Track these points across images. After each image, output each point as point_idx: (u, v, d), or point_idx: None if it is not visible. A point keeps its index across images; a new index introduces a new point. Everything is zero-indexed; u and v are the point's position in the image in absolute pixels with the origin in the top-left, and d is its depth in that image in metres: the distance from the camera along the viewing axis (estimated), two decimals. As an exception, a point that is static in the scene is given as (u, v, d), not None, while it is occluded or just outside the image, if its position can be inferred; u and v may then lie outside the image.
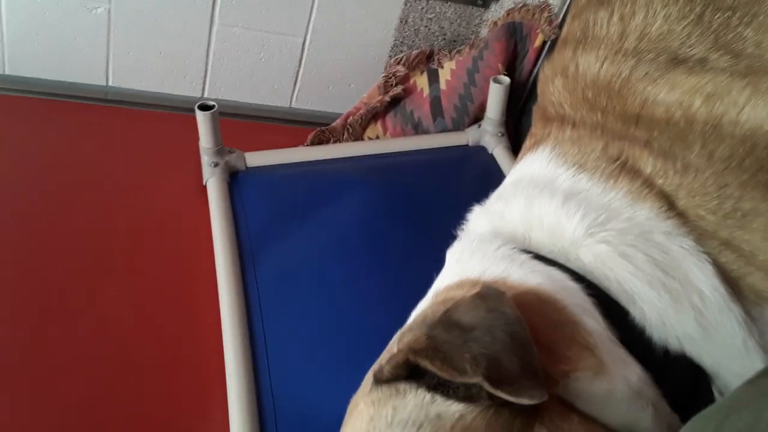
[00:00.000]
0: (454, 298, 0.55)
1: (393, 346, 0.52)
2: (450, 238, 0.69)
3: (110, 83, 1.22)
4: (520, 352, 0.44)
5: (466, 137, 1.17)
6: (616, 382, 0.49)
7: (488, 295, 0.48)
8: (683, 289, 0.52)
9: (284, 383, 0.81)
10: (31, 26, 1.14)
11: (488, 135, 1.16)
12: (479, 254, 0.58)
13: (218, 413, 0.79)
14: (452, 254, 0.64)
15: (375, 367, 0.53)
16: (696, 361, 0.52)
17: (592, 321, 0.52)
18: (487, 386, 0.42)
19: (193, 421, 0.81)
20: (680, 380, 0.52)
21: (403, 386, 0.46)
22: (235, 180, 1.03)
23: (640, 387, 0.49)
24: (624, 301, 0.53)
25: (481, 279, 0.56)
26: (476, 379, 0.42)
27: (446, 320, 0.46)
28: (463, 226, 0.67)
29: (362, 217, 0.98)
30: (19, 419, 0.78)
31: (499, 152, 1.14)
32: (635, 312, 0.53)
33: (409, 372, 0.46)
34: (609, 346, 0.51)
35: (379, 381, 0.47)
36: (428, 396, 0.45)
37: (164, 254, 0.98)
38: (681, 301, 0.52)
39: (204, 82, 1.26)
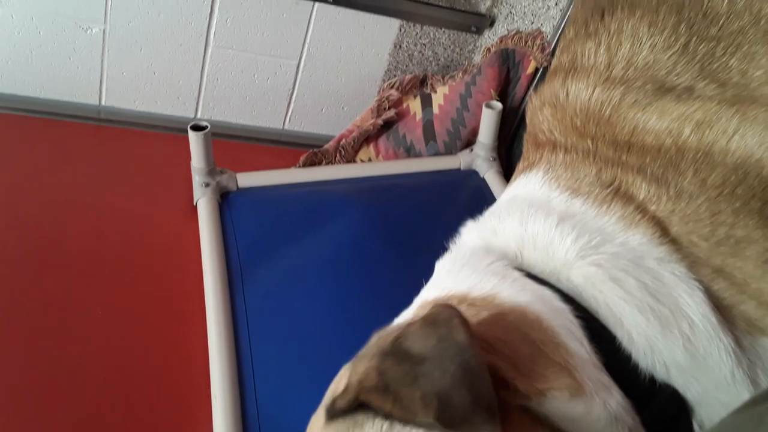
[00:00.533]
0: None
1: (346, 372, 0.50)
2: (436, 256, 0.68)
3: (103, 103, 1.22)
4: (472, 385, 0.42)
5: (458, 161, 1.18)
6: (593, 405, 0.48)
7: (440, 320, 0.46)
8: (673, 316, 0.52)
9: (270, 403, 0.80)
10: (26, 45, 1.14)
11: (480, 159, 1.16)
12: (470, 268, 0.58)
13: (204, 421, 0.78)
14: (442, 266, 0.63)
15: (326, 397, 0.52)
16: (681, 390, 0.52)
17: (576, 343, 0.51)
18: (439, 428, 0.41)
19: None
20: (662, 411, 0.51)
21: (360, 417, 0.45)
22: (225, 200, 1.03)
23: (618, 412, 0.49)
24: (612, 324, 0.53)
25: (469, 294, 0.55)
26: (427, 420, 0.42)
27: (397, 350, 0.45)
28: (455, 240, 0.67)
29: (352, 239, 0.98)
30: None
31: (491, 176, 1.14)
32: (623, 336, 0.52)
33: (362, 404, 0.46)
34: (590, 370, 0.50)
35: (333, 415, 0.47)
36: (386, 424, 0.44)
37: (154, 273, 0.97)
38: (670, 328, 0.51)
39: (197, 103, 1.26)
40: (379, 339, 0.47)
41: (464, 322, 0.46)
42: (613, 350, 0.52)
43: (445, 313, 0.46)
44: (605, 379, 0.50)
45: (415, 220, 1.04)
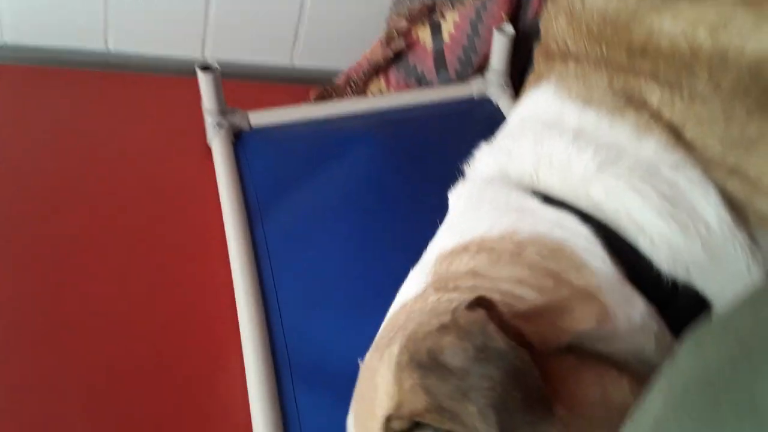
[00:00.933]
0: (457, 270, 0.55)
1: (378, 353, 0.51)
2: (454, 186, 0.68)
3: (110, 48, 1.22)
4: (519, 385, 0.43)
5: (471, 89, 1.16)
6: (619, 323, 0.50)
7: (473, 331, 0.45)
8: (690, 219, 0.53)
9: (297, 333, 0.82)
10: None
11: (493, 86, 1.15)
12: (486, 206, 0.58)
13: (234, 365, 0.81)
14: (457, 201, 0.64)
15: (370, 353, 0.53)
16: (701, 289, 0.53)
17: (599, 262, 0.52)
18: None
19: (210, 374, 0.83)
20: (685, 311, 0.53)
21: None
22: (239, 140, 1.03)
23: (642, 322, 0.51)
24: (633, 234, 0.54)
25: (487, 236, 0.56)
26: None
27: (436, 364, 0.44)
28: (469, 165, 0.67)
29: (368, 172, 0.99)
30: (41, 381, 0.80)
31: (505, 103, 1.13)
32: (644, 243, 0.54)
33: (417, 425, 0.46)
34: (613, 287, 0.51)
35: None
36: None
37: (172, 216, 0.99)
38: (689, 231, 0.53)
39: (204, 43, 1.25)
40: (406, 345, 0.46)
41: (497, 323, 0.45)
42: (636, 260, 0.53)
43: (477, 323, 0.45)
44: (628, 291, 0.52)
45: (430, 150, 1.04)
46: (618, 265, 0.53)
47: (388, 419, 0.46)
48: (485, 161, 0.64)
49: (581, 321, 0.49)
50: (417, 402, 0.44)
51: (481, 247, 0.55)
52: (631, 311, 0.51)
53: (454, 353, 0.44)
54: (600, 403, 0.46)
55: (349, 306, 0.84)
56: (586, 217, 0.55)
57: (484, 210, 0.59)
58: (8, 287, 0.87)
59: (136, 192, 1.01)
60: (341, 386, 0.75)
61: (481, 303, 0.47)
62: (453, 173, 0.70)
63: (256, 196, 0.96)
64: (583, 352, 0.49)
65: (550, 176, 0.58)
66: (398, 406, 0.46)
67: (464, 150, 0.72)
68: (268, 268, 0.88)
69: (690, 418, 0.34)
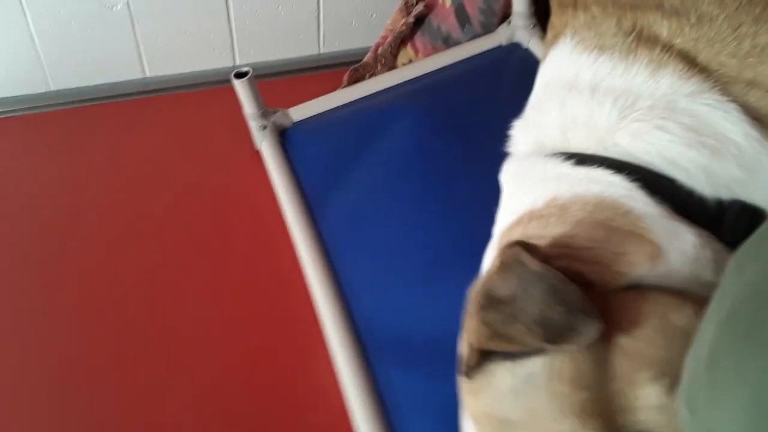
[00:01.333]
0: (512, 238, 0.57)
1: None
2: (503, 140, 0.70)
3: (147, 74, 1.26)
4: (562, 299, 0.46)
5: (499, 38, 1.15)
6: (672, 258, 0.51)
7: (511, 263, 0.50)
8: (719, 143, 0.54)
9: (374, 311, 0.84)
10: (62, 40, 1.18)
11: (520, 30, 1.13)
12: (527, 181, 0.61)
13: (320, 353, 0.84)
14: (505, 180, 0.66)
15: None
16: (749, 202, 0.54)
17: (640, 204, 0.54)
18: (548, 347, 0.46)
19: (299, 365, 0.87)
20: (738, 224, 0.54)
21: (490, 366, 0.50)
22: (285, 137, 1.06)
23: (696, 252, 0.52)
24: (668, 169, 0.55)
25: (534, 208, 0.58)
26: (539, 345, 0.46)
27: (490, 301, 0.49)
28: (509, 144, 0.69)
29: (413, 142, 0.99)
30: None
31: (535, 44, 1.12)
32: (681, 175, 0.55)
33: (485, 354, 0.51)
34: (661, 224, 0.53)
35: (469, 374, 0.52)
36: (510, 363, 0.49)
37: (236, 223, 1.02)
38: (720, 153, 0.54)
39: (233, 50, 1.28)
40: (474, 296, 0.52)
41: (531, 251, 0.50)
42: (676, 193, 0.55)
43: (513, 254, 0.50)
44: (674, 226, 0.53)
45: (470, 107, 1.04)
46: (661, 203, 0.54)
47: (466, 367, 0.52)
48: (520, 138, 0.67)
49: (635, 263, 0.51)
50: (480, 335, 0.49)
51: (531, 217, 0.58)
52: (682, 245, 0.52)
53: (501, 286, 0.49)
54: (660, 329, 0.48)
55: (417, 277, 0.86)
56: (620, 166, 0.56)
57: (527, 185, 0.61)
58: (89, 307, 0.92)
59: (194, 207, 1.05)
60: (425, 355, 0.79)
61: (516, 243, 0.51)
62: (498, 125, 0.71)
63: (311, 189, 0.98)
64: (643, 289, 0.51)
65: (578, 136, 0.60)
66: (469, 345, 0.51)
67: (503, 99, 0.74)
68: (335, 255, 0.90)
69: (736, 337, 0.36)
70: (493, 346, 0.49)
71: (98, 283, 0.96)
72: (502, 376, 0.49)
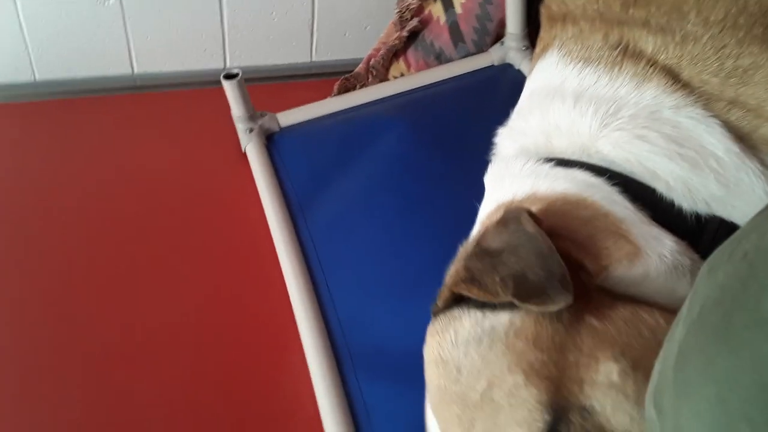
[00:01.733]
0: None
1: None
2: (489, 158, 0.71)
3: (136, 71, 1.25)
4: (543, 264, 0.48)
5: (491, 57, 1.16)
6: (651, 261, 0.52)
7: (509, 218, 0.52)
8: (699, 156, 0.55)
9: (352, 321, 0.84)
10: (51, 30, 1.16)
11: (513, 51, 1.14)
12: (508, 177, 0.62)
13: (296, 360, 0.83)
14: (488, 180, 0.67)
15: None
16: (726, 218, 0.55)
17: (621, 208, 0.55)
18: (517, 302, 0.47)
19: (273, 372, 0.85)
20: (714, 240, 0.55)
21: (456, 312, 0.52)
22: (272, 141, 1.05)
23: (675, 259, 0.53)
24: (648, 179, 0.56)
25: (514, 201, 0.59)
26: (507, 298, 0.47)
27: (478, 249, 0.51)
28: (493, 151, 0.70)
29: (400, 154, 1.00)
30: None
31: (526, 66, 1.13)
32: (660, 186, 0.56)
33: (458, 300, 0.52)
34: (641, 228, 0.54)
35: (435, 314, 0.53)
36: (479, 313, 0.50)
37: (217, 225, 1.01)
38: (700, 167, 0.55)
39: (224, 52, 1.27)
40: (464, 247, 0.54)
41: (532, 215, 0.51)
42: (656, 202, 0.56)
43: (514, 212, 0.52)
44: (655, 231, 0.54)
45: (459, 124, 1.05)
46: (641, 209, 0.55)
47: (434, 304, 0.53)
48: (505, 144, 0.68)
49: (615, 259, 0.52)
50: (456, 277, 0.51)
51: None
52: (661, 249, 0.53)
53: (493, 237, 0.51)
54: (630, 321, 0.48)
55: (399, 289, 0.86)
56: (601, 171, 0.57)
57: (506, 182, 0.62)
58: (65, 305, 0.90)
59: (177, 206, 1.03)
60: (401, 369, 0.78)
61: (521, 207, 0.52)
62: (485, 142, 0.72)
63: (295, 194, 0.98)
64: (621, 291, 0.52)
65: (560, 142, 0.61)
66: (441, 288, 0.52)
67: (492, 118, 0.74)
68: (316, 263, 0.90)
69: (706, 337, 0.36)
70: (464, 290, 0.50)
71: (72, 277, 0.94)
72: (467, 322, 0.50)
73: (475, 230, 0.65)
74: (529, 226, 0.50)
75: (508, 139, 0.67)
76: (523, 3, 1.11)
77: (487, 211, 0.63)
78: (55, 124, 1.16)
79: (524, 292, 0.47)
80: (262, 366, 0.86)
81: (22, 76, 1.20)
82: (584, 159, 0.59)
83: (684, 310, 0.40)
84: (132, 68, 1.24)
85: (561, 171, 0.58)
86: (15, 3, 1.12)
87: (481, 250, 0.51)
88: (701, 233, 0.55)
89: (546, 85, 0.64)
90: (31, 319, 0.89)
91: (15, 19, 1.13)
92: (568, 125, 0.60)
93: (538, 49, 0.71)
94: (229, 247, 0.98)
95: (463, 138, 1.03)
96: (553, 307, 0.46)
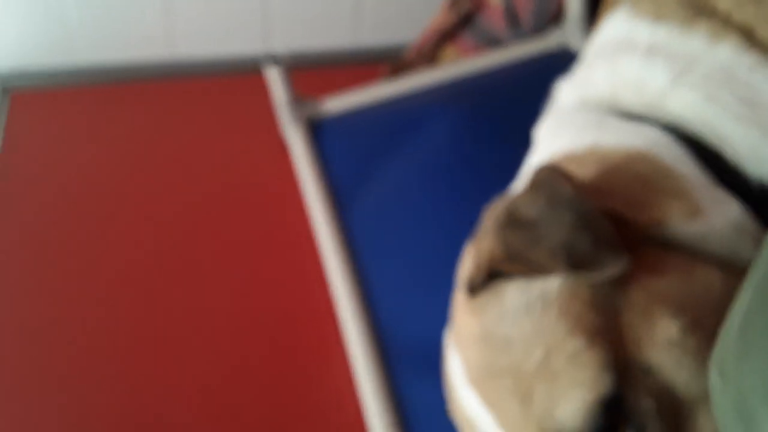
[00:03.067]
0: None
1: (471, 251, 0.54)
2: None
3: (177, 56, 1.24)
4: (590, 228, 0.46)
5: (548, 42, 1.11)
6: (714, 219, 0.51)
7: (543, 181, 0.49)
8: None
9: (398, 317, 0.82)
10: (91, 12, 1.17)
11: (572, 35, 1.09)
12: (568, 126, 0.60)
13: (339, 357, 0.82)
14: (542, 131, 0.65)
15: (459, 279, 0.55)
16: None
17: (686, 167, 0.53)
18: (572, 273, 0.45)
19: (317, 368, 0.85)
20: None
21: (499, 285, 0.49)
22: (314, 130, 1.02)
23: (738, 221, 0.51)
24: (716, 142, 0.54)
25: (573, 151, 0.57)
26: (559, 272, 0.46)
27: (512, 220, 0.48)
28: (550, 101, 0.68)
29: (450, 145, 0.96)
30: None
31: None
32: (728, 151, 0.54)
33: (497, 275, 0.50)
34: (705, 189, 0.52)
35: (474, 291, 0.50)
36: (525, 282, 0.48)
37: (259, 215, 1.01)
38: None
39: (265, 37, 1.26)
40: (491, 214, 0.50)
41: (566, 175, 0.49)
42: (722, 165, 0.54)
43: (546, 174, 0.50)
44: (720, 194, 0.52)
45: (515, 112, 1.00)
46: (706, 171, 0.53)
47: (471, 280, 0.50)
48: (564, 94, 0.66)
49: (672, 215, 0.51)
50: (495, 254, 0.48)
51: (568, 159, 0.57)
52: (726, 211, 0.51)
53: (527, 206, 0.48)
54: (684, 278, 0.47)
55: (444, 285, 0.82)
56: (667, 129, 0.56)
57: (565, 130, 0.60)
58: (107, 293, 0.92)
59: (216, 196, 1.04)
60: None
61: (551, 166, 0.50)
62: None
63: (339, 186, 0.95)
64: (672, 247, 0.50)
65: (627, 96, 0.59)
66: (477, 265, 0.50)
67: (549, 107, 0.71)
68: (361, 256, 0.87)
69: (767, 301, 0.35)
70: (509, 267, 0.48)
71: (109, 264, 0.95)
72: (513, 293, 0.48)
73: (519, 182, 0.63)
74: (565, 188, 0.48)
75: (569, 90, 0.66)
76: (585, -17, 1.06)
77: (538, 161, 0.61)
78: (95, 112, 1.17)
79: (577, 262, 0.45)
80: (304, 363, 0.85)
81: (63, 59, 1.21)
82: (652, 115, 0.57)
83: (750, 276, 0.40)
84: (174, 52, 1.24)
85: (628, 125, 0.57)
86: None
87: (517, 220, 0.47)
88: (766, 201, 0.53)
89: (615, 38, 0.63)
90: (78, 311, 0.90)
91: (54, 2, 1.14)
92: (637, 79, 0.58)
93: (604, 6, 0.70)
94: (269, 240, 0.98)
95: (517, 127, 0.98)
96: (610, 273, 0.45)
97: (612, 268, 0.45)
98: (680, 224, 0.50)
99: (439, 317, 0.80)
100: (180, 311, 0.90)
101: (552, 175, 0.49)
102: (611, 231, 0.46)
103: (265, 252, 0.96)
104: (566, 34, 1.10)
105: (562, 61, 1.10)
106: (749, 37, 0.55)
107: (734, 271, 0.48)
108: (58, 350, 0.86)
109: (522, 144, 0.93)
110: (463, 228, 0.87)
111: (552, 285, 0.47)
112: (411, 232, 0.89)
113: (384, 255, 0.88)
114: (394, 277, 0.85)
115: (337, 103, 1.05)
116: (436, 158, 0.95)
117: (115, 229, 0.99)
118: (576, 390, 0.44)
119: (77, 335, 0.87)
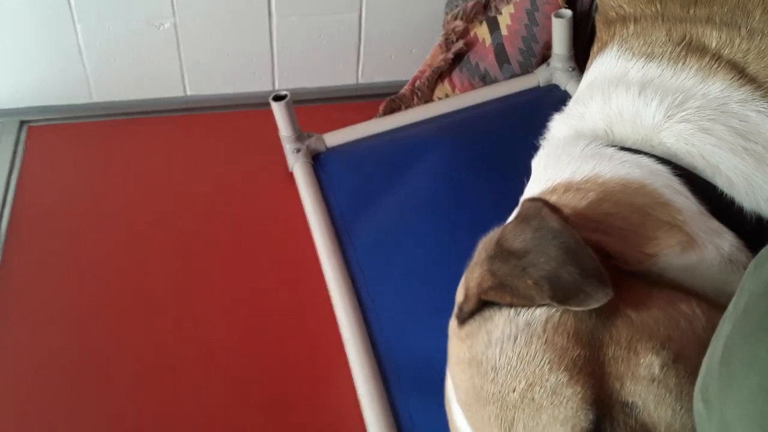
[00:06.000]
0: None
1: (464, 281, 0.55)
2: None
3: (188, 93, 1.28)
4: (575, 260, 0.46)
5: (537, 78, 1.15)
6: (706, 251, 0.51)
7: (530, 214, 0.50)
8: (766, 151, 0.53)
9: (399, 341, 0.84)
10: (109, 54, 1.21)
11: (559, 72, 1.14)
12: (566, 157, 0.60)
13: (343, 380, 0.83)
14: (538, 161, 0.66)
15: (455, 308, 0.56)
16: None
17: (681, 198, 0.54)
18: (555, 305, 0.46)
19: (320, 391, 0.85)
20: None
21: (487, 313, 0.50)
22: (318, 161, 1.07)
23: (732, 253, 0.52)
24: (710, 174, 0.55)
25: (572, 180, 0.58)
26: (545, 302, 0.46)
27: (501, 250, 0.48)
28: (545, 135, 0.69)
29: (445, 175, 0.99)
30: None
31: (573, 87, 1.12)
32: (722, 182, 0.55)
33: (486, 302, 0.50)
34: (700, 220, 0.53)
35: (463, 320, 0.51)
36: (512, 311, 0.48)
37: (265, 243, 1.02)
38: (766, 163, 0.53)
39: (273, 75, 1.30)
40: (484, 245, 0.51)
41: (553, 208, 0.50)
42: (716, 197, 0.54)
43: (534, 207, 0.50)
44: (715, 225, 0.53)
45: (505, 145, 1.04)
46: (701, 202, 0.54)
47: (460, 308, 0.51)
48: (559, 128, 0.67)
49: (664, 247, 0.51)
50: (483, 283, 0.48)
51: (568, 189, 0.57)
52: (720, 242, 0.52)
53: (515, 237, 0.48)
54: (669, 312, 0.47)
55: (445, 308, 0.83)
56: (662, 160, 0.56)
57: (564, 161, 0.60)
58: (121, 322, 0.92)
59: (226, 224, 1.05)
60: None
61: (538, 199, 0.50)
62: (530, 164, 0.71)
63: (341, 214, 0.98)
64: (663, 281, 0.50)
65: (623, 129, 0.60)
66: (466, 293, 0.50)
67: (538, 140, 0.74)
68: (362, 282, 0.90)
69: (750, 331, 0.36)
70: (495, 297, 0.48)
71: (121, 294, 0.96)
72: (500, 322, 0.48)
73: (514, 213, 0.63)
74: (553, 221, 0.48)
75: (564, 123, 0.66)
76: (570, 24, 1.11)
77: (537, 191, 0.61)
78: (110, 144, 1.19)
79: (561, 293, 0.45)
80: (308, 385, 0.86)
81: (80, 98, 1.24)
82: (646, 149, 0.57)
83: (730, 307, 0.40)
84: (185, 90, 1.28)
85: (626, 155, 0.57)
86: (75, 28, 1.16)
87: (505, 251, 0.48)
88: (761, 234, 0.53)
89: (608, 75, 0.64)
90: (85, 335, 0.91)
91: (75, 43, 1.18)
92: (632, 113, 0.58)
93: (595, 47, 0.71)
94: (275, 266, 1.00)
95: (508, 159, 1.01)
96: (595, 304, 0.45)
97: (596, 300, 0.45)
98: (674, 257, 0.50)
99: (437, 340, 0.82)
100: (188, 339, 0.91)
101: (540, 207, 0.50)
102: (596, 263, 0.46)
103: (272, 278, 0.98)
104: (553, 71, 1.14)
105: (549, 97, 1.15)
106: (741, 73, 0.56)
107: (724, 304, 0.46)
108: (69, 373, 0.87)
109: (512, 173, 0.96)
110: (457, 252, 0.90)
111: (537, 316, 0.47)
112: (409, 258, 0.92)
113: (384, 280, 0.90)
114: (394, 301, 0.88)
115: (338, 137, 1.09)
116: (431, 187, 0.98)
117: (127, 256, 1.00)
118: (557, 426, 0.44)
119: (90, 363, 0.88)
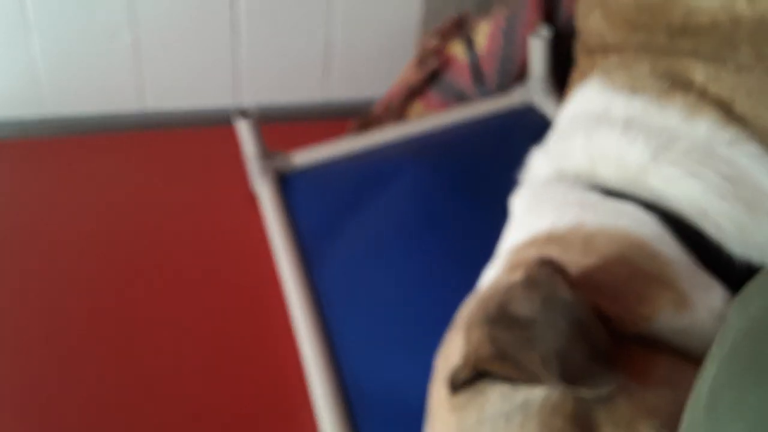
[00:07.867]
0: (528, 256, 0.55)
1: (455, 341, 0.52)
2: (509, 202, 0.68)
3: (146, 108, 1.25)
4: (585, 338, 0.44)
5: (512, 99, 1.14)
6: (698, 312, 0.50)
7: (541, 280, 0.46)
8: (755, 197, 0.52)
9: (366, 373, 0.81)
10: (65, 63, 1.17)
11: (535, 93, 1.12)
12: (548, 203, 0.59)
13: (306, 415, 0.80)
14: (519, 203, 0.64)
15: (439, 368, 0.54)
16: None
17: (669, 249, 0.52)
18: (564, 387, 0.43)
19: (282, 421, 0.84)
20: None
21: (481, 385, 0.47)
22: (284, 182, 1.03)
23: (722, 309, 0.51)
24: (699, 219, 0.54)
25: (554, 231, 0.56)
26: (552, 383, 0.43)
27: (503, 316, 0.46)
28: (525, 172, 0.67)
29: (417, 198, 0.97)
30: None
31: (549, 109, 1.10)
32: (711, 228, 0.54)
33: (482, 373, 0.47)
34: (689, 274, 0.51)
35: (456, 388, 0.48)
36: (508, 388, 0.46)
37: (225, 268, 1.00)
38: (755, 209, 0.52)
39: (237, 92, 1.27)
40: (481, 303, 0.48)
41: (565, 277, 0.46)
42: (705, 246, 0.53)
43: (546, 272, 0.47)
44: (705, 279, 0.51)
45: (478, 166, 1.03)
46: (689, 252, 0.52)
47: (454, 374, 0.48)
48: (539, 165, 0.65)
49: (658, 308, 0.49)
50: (482, 351, 0.45)
51: (550, 240, 0.56)
52: (710, 299, 0.51)
53: (521, 303, 0.45)
54: (670, 384, 0.46)
55: (414, 338, 0.82)
56: (648, 207, 0.55)
57: (545, 208, 0.59)
58: (71, 351, 0.89)
59: (184, 248, 1.03)
60: (414, 421, 0.72)
61: (550, 262, 0.48)
62: (505, 185, 0.69)
63: (308, 237, 0.95)
64: (658, 344, 0.49)
65: (607, 171, 0.58)
66: (464, 359, 0.47)
67: (514, 162, 0.72)
68: (329, 310, 0.87)
69: (736, 372, 0.35)
70: (496, 368, 0.45)
71: (69, 319, 0.93)
72: (495, 398, 0.46)
73: (495, 266, 0.60)
74: (564, 291, 0.45)
75: (544, 161, 0.65)
76: (547, 44, 1.10)
77: (516, 241, 0.59)
78: (63, 161, 1.16)
79: (571, 374, 0.42)
80: (271, 418, 0.84)
81: (32, 110, 1.20)
82: (632, 191, 0.56)
83: (715, 348, 0.39)
84: (144, 104, 1.24)
85: (610, 203, 0.56)
86: (29, 36, 1.12)
87: (508, 318, 0.45)
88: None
89: (590, 110, 0.62)
90: (30, 366, 0.88)
91: (28, 52, 1.14)
92: (617, 154, 0.57)
93: (575, 75, 0.70)
94: (237, 292, 0.97)
95: (483, 181, 1.01)
96: (604, 390, 0.43)
97: (605, 385, 0.43)
98: (668, 319, 0.49)
99: (405, 372, 0.80)
100: (147, 364, 0.88)
101: (552, 274, 0.47)
102: (607, 340, 0.44)
103: (233, 305, 0.95)
104: (530, 92, 1.13)
105: (525, 118, 1.14)
106: (727, 111, 0.55)
107: None
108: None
109: (487, 197, 0.95)
110: (428, 281, 0.88)
111: (535, 396, 0.45)
112: (378, 285, 0.89)
113: (352, 308, 0.87)
114: (361, 330, 0.85)
115: (306, 157, 1.05)
116: (403, 212, 0.96)
117: (77, 283, 0.97)
118: None
119: (33, 396, 0.85)
